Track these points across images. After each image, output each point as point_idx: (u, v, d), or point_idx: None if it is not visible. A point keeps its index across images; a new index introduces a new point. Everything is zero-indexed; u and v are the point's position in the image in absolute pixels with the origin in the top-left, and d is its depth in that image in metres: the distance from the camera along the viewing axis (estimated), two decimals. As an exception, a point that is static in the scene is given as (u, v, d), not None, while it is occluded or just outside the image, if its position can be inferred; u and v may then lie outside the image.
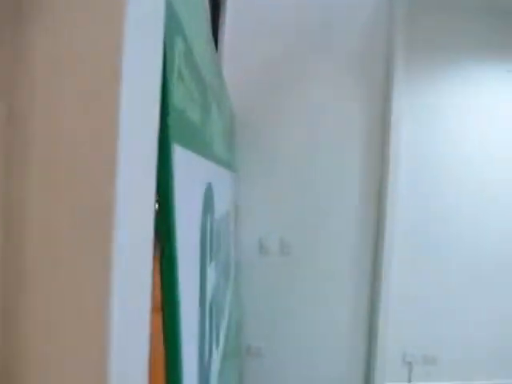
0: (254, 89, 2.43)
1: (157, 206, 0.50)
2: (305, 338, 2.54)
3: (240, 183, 2.41)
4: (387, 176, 2.48)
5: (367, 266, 2.58)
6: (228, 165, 1.66)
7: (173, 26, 0.52)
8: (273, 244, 2.48)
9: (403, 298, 2.58)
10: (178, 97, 0.54)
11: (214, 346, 0.88)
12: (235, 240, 2.13)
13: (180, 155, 0.52)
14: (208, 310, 0.79)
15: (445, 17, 2.56)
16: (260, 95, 2.44)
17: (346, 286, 2.57)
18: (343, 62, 2.51)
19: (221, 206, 1.18)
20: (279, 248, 2.49)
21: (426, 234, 2.60)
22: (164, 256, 0.50)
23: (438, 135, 2.60)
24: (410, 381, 2.63)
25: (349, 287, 2.58)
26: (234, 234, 2.09)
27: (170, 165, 0.47)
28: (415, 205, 2.58)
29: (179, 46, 0.56)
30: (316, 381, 2.57)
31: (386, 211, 2.47)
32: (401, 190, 2.52)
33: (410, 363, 2.61)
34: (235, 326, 1.80)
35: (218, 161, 1.15)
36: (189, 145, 0.60)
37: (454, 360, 2.66)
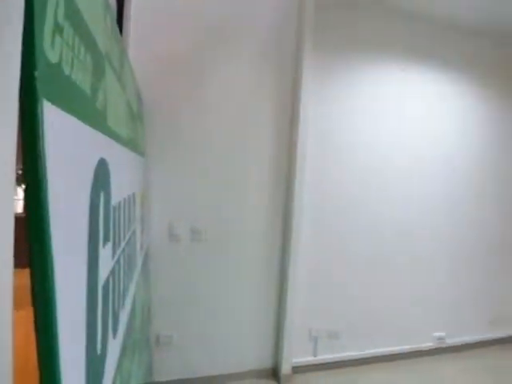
0: (163, 76, 2.33)
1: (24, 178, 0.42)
2: (216, 324, 2.55)
3: (150, 168, 2.31)
4: (295, 160, 2.57)
5: (277, 249, 2.67)
6: (133, 146, 1.56)
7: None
8: (183, 230, 2.42)
9: (309, 277, 2.73)
10: (52, 50, 0.47)
11: (109, 337, 0.81)
12: (144, 226, 2.03)
13: (54, 115, 0.45)
14: (101, 299, 0.72)
15: (352, 16, 2.72)
16: (170, 83, 2.34)
17: (257, 270, 2.63)
18: (253, 51, 2.52)
19: (122, 187, 1.10)
20: (190, 234, 2.44)
21: (330, 216, 2.78)
22: (33, 239, 0.43)
23: (344, 121, 2.77)
24: (315, 355, 2.81)
25: (259, 270, 2.64)
26: (143, 220, 1.98)
27: (39, 123, 0.40)
28: (322, 188, 2.73)
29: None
30: (228, 364, 2.60)
31: (294, 196, 2.57)
32: (308, 177, 2.64)
33: (315, 338, 2.78)
34: (142, 315, 1.72)
35: (118, 138, 1.06)
36: (70, 108, 0.53)
37: (355, 332, 2.91)
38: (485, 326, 3.44)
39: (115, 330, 0.88)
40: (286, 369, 2.65)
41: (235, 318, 2.60)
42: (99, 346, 0.68)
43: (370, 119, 2.84)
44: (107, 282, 0.79)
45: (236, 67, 2.48)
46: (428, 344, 3.19)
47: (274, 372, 2.71)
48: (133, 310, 1.31)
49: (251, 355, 2.67)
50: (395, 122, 2.92)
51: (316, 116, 2.66)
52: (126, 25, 2.24)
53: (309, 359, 2.79)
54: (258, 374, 2.68)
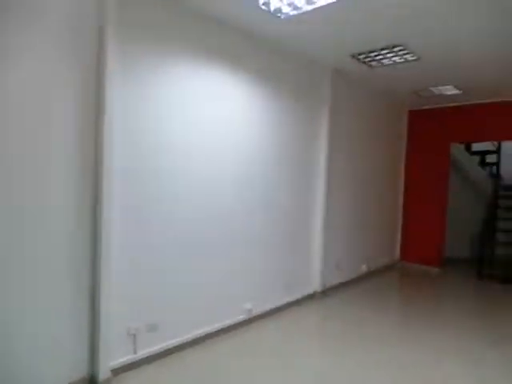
0: None
1: None
2: (9, 347, 2.19)
3: None
4: (101, 161, 2.46)
5: (87, 250, 2.49)
6: None
7: None
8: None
9: (122, 273, 2.67)
10: None
11: None
12: None
13: None
14: None
15: (156, 12, 2.73)
16: None
17: (59, 274, 2.38)
18: (45, 42, 2.24)
19: None
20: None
21: (142, 208, 2.77)
22: None
23: (150, 112, 2.78)
24: (135, 352, 2.77)
25: (62, 274, 2.40)
26: None
27: None
28: (134, 185, 2.69)
29: None
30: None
31: (103, 195, 2.46)
32: (116, 174, 2.56)
33: (134, 335, 2.74)
34: None
35: None
36: None
37: (174, 320, 3.01)
38: (281, 292, 4.10)
39: None
40: (104, 373, 2.52)
41: (34, 332, 2.28)
42: None
43: (171, 116, 2.94)
44: None
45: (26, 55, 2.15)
46: (240, 317, 3.59)
47: (93, 380, 2.53)
48: None
49: (62, 368, 2.42)
50: (196, 118, 3.12)
51: (121, 111, 2.59)
52: None
53: (129, 357, 2.72)
54: (73, 387, 2.46)
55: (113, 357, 2.60)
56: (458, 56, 3.81)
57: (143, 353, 2.80)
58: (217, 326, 3.36)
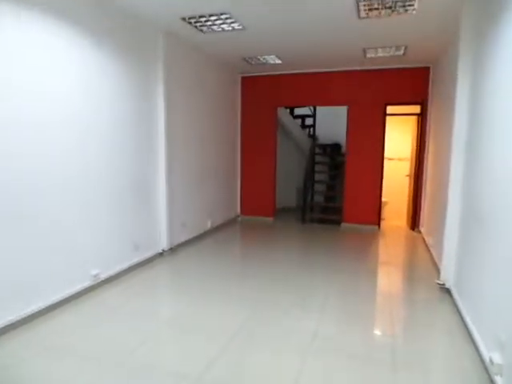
0: None
1: None
2: None
3: None
4: None
5: None
6: None
7: None
8: None
9: None
10: None
11: None
12: None
13: None
14: None
15: None
16: None
17: None
18: None
19: None
20: None
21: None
22: None
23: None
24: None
25: None
26: None
27: None
28: None
29: None
30: None
31: None
32: None
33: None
34: None
35: None
36: None
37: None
38: (131, 253, 4.17)
39: None
40: None
41: None
42: None
43: None
44: None
45: None
46: (87, 283, 3.53)
47: None
48: None
49: None
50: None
51: None
52: None
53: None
54: None
55: None
56: (279, 29, 4.35)
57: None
58: (61, 295, 3.23)
